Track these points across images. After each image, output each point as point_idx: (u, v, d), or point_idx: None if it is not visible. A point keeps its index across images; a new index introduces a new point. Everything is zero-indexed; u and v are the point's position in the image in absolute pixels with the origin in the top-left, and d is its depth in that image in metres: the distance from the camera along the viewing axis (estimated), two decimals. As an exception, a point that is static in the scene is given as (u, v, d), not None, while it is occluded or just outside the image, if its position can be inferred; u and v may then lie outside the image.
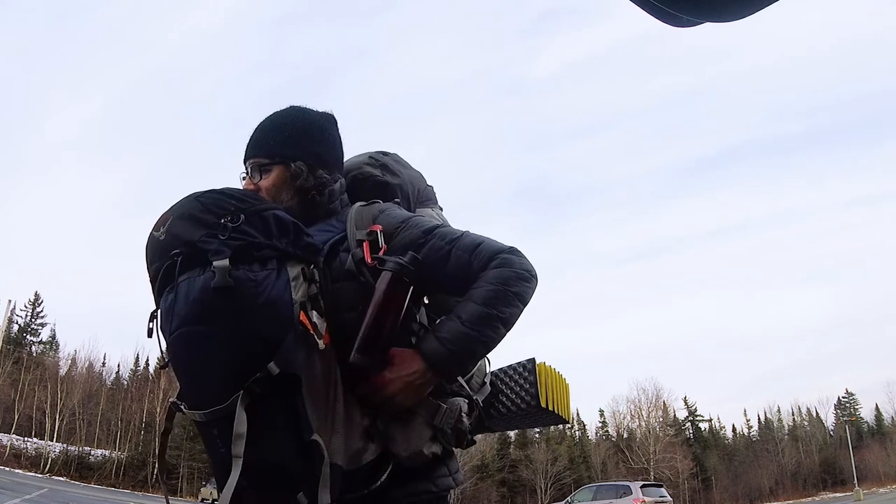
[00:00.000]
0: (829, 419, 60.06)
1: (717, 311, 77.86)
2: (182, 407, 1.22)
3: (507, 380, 1.57)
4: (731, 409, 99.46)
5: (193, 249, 1.17)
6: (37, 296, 47.76)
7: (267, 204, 1.29)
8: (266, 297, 1.16)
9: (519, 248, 1.34)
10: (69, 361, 46.97)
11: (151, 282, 1.24)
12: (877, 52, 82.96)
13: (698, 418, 58.55)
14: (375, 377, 1.27)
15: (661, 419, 53.18)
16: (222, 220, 1.19)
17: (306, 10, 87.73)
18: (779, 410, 60.03)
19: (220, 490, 1.15)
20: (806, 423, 59.71)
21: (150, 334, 1.21)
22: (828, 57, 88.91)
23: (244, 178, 1.46)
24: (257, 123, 1.49)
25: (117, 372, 49.55)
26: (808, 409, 60.36)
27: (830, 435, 57.70)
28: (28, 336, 47.23)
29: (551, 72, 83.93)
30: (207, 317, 1.14)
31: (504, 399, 1.56)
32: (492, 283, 1.28)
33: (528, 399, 1.54)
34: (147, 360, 49.90)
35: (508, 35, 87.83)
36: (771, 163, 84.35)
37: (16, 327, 45.45)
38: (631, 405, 52.29)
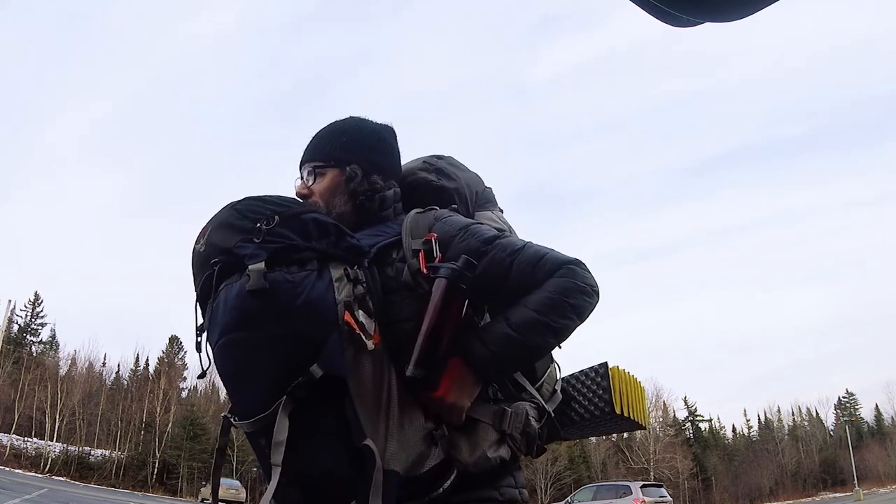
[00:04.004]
0: (829, 419, 60.20)
1: (717, 312, 78.02)
2: (233, 420, 1.20)
3: (580, 386, 1.50)
4: (731, 409, 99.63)
5: (230, 256, 1.16)
6: (37, 296, 47.83)
7: (306, 207, 1.27)
8: (305, 298, 1.13)
9: (584, 262, 1.29)
10: (69, 361, 47.05)
11: (196, 296, 1.23)
12: (875, 55, 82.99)
13: (698, 418, 58.61)
14: (433, 391, 1.22)
15: (661, 419, 53.20)
16: (257, 225, 1.18)
17: (309, 16, 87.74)
18: (779, 410, 60.17)
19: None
20: (806, 423, 59.71)
21: (198, 348, 1.19)
22: (827, 60, 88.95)
23: (298, 183, 1.45)
24: (315, 132, 1.47)
25: (117, 372, 49.60)
26: (808, 409, 60.49)
27: (830, 435, 57.71)
28: (28, 336, 47.22)
29: (553, 74, 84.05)
30: (245, 322, 1.13)
31: (577, 406, 1.49)
32: (550, 291, 1.23)
33: (602, 406, 1.46)
34: (147, 360, 50.03)
35: (510, 39, 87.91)
36: (771, 164, 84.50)
37: (16, 327, 45.44)
38: (631, 405, 52.15)
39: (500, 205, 1.64)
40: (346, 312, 1.15)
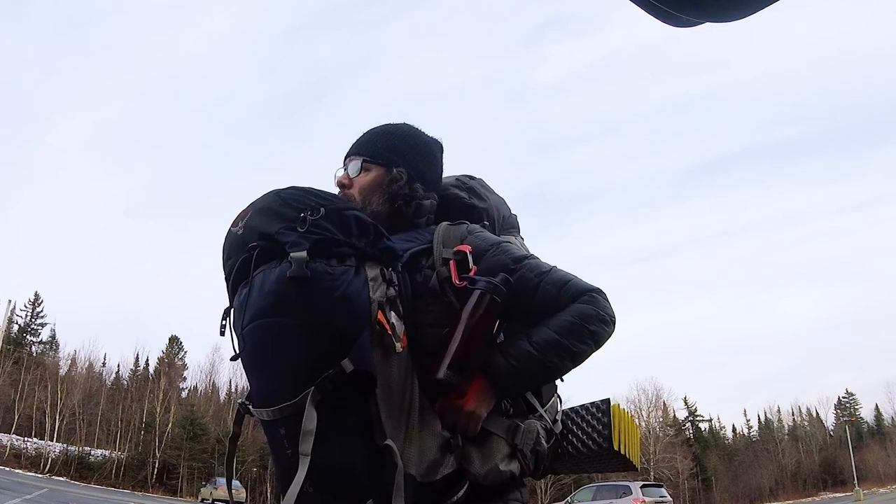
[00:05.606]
0: (829, 419, 60.14)
1: (717, 312, 77.95)
2: (250, 407, 1.21)
3: (579, 420, 1.51)
4: (731, 409, 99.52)
5: (271, 242, 1.17)
6: (37, 296, 47.80)
7: (349, 204, 1.29)
8: (342, 292, 1.14)
9: (605, 292, 1.33)
10: (69, 361, 47.02)
11: (226, 278, 1.24)
12: (876, 57, 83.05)
13: (698, 418, 58.55)
14: (457, 397, 1.24)
15: (661, 419, 53.19)
16: (301, 214, 1.18)
17: (311, 20, 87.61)
18: (779, 410, 60.13)
19: (282, 494, 1.11)
20: (806, 423, 59.70)
21: (222, 332, 1.20)
22: (828, 61, 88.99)
23: (341, 173, 1.46)
24: (368, 128, 1.50)
25: (117, 372, 49.62)
26: (808, 409, 60.47)
27: (830, 435, 57.65)
28: (28, 336, 47.17)
29: (553, 78, 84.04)
30: (282, 308, 1.13)
31: (574, 440, 1.49)
32: (572, 316, 1.27)
33: (601, 441, 1.47)
34: (147, 360, 50.04)
35: (511, 43, 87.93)
36: (770, 166, 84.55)
37: (16, 327, 45.43)
38: (631, 405, 52.15)
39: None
40: (379, 312, 1.16)
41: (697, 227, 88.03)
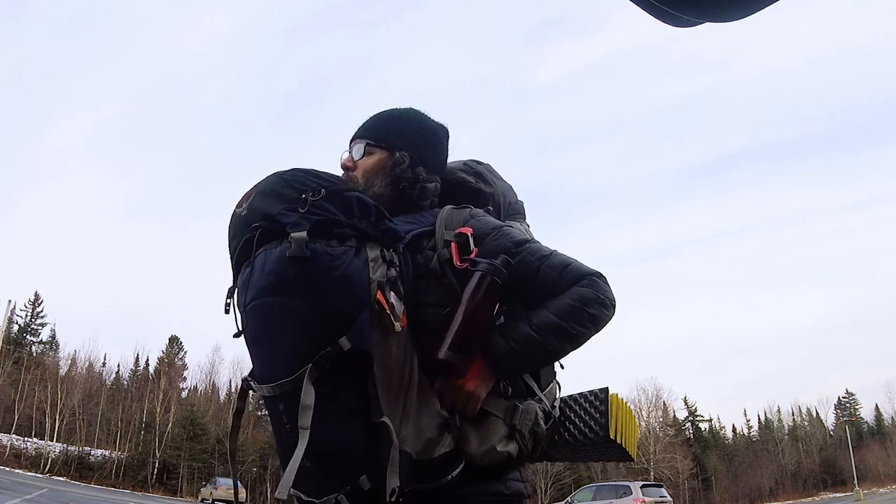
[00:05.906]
0: (829, 419, 60.15)
1: (717, 312, 77.97)
2: (252, 383, 1.24)
3: (577, 407, 1.50)
4: (731, 409, 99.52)
5: (273, 222, 1.19)
6: (37, 296, 47.84)
7: (351, 186, 1.30)
8: (342, 272, 1.16)
9: (605, 275, 1.34)
10: (69, 361, 47.05)
11: (230, 258, 1.27)
12: (875, 60, 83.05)
13: (698, 418, 58.56)
14: (457, 377, 1.26)
15: (661, 419, 53.19)
16: (303, 196, 1.20)
17: (313, 19, 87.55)
18: (779, 410, 60.15)
19: (283, 470, 1.14)
20: (806, 423, 59.70)
21: (226, 310, 1.23)
22: (827, 63, 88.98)
23: (345, 156, 1.48)
24: (374, 112, 1.52)
25: (117, 372, 49.63)
26: (808, 409, 60.48)
27: (830, 435, 57.65)
28: (28, 336, 47.20)
29: (553, 78, 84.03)
30: (282, 287, 1.16)
31: (571, 427, 1.49)
32: (572, 299, 1.29)
33: (598, 429, 1.46)
34: (147, 360, 50.04)
35: (511, 43, 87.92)
36: (770, 166, 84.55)
37: (16, 327, 45.44)
38: (631, 405, 51.53)
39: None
40: (379, 292, 1.18)
41: (698, 227, 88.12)
